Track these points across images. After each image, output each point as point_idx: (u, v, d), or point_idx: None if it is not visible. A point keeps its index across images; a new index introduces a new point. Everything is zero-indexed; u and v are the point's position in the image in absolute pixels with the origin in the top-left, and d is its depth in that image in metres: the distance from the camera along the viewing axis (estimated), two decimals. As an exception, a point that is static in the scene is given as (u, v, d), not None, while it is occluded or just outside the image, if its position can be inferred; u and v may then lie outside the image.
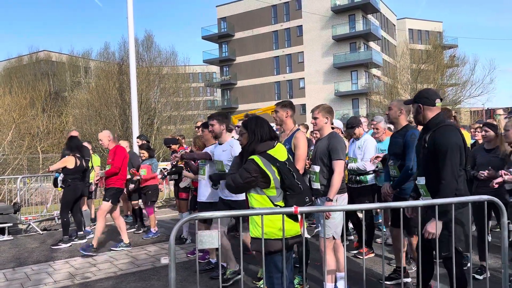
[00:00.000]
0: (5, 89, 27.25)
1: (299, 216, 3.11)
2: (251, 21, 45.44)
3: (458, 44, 46.09)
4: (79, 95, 37.13)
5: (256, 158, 3.09)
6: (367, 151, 5.52)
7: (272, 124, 10.26)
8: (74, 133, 7.87)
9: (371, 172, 5.60)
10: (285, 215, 2.91)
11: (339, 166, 3.93)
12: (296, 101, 41.89)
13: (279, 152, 3.18)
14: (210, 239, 2.78)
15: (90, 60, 43.51)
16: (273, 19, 44.83)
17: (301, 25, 43.12)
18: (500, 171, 4.12)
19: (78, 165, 7.02)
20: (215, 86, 51.24)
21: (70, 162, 6.97)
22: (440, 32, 43.47)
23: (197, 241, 2.77)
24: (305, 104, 42.64)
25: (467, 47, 74.92)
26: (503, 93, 67.97)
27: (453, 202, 3.03)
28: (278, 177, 3.08)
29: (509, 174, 4.09)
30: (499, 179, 4.07)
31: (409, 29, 50.69)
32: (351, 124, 5.76)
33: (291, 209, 2.84)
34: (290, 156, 3.37)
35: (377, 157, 5.22)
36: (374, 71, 41.97)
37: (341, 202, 4.03)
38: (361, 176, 5.61)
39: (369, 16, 42.42)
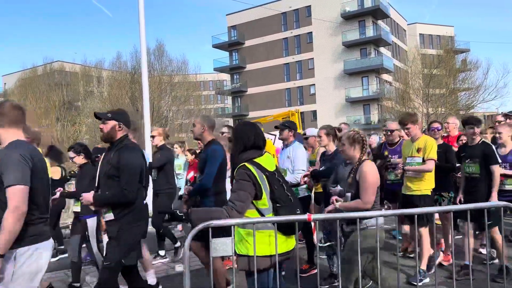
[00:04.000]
0: (20, 99, 27.78)
1: (311, 225, 3.09)
2: (261, 29, 45.67)
3: (470, 48, 45.56)
4: (92, 104, 37.73)
5: (247, 164, 2.88)
6: (296, 161, 4.98)
7: (275, 133, 9.56)
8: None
9: (303, 183, 5.03)
10: (276, 230, 2.76)
11: (16, 198, 2.41)
12: (307, 108, 41.89)
13: (267, 161, 3.00)
14: (224, 246, 2.79)
15: (102, 70, 44.20)
16: (283, 26, 45.00)
17: (311, 32, 43.18)
18: (332, 197, 3.53)
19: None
20: (226, 94, 51.55)
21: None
22: (452, 36, 43.13)
23: (211, 249, 2.77)
24: (316, 111, 42.57)
25: (479, 51, 74.23)
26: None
27: (469, 208, 3.02)
28: (268, 188, 2.88)
29: (341, 200, 3.47)
30: (330, 207, 3.50)
31: (420, 34, 50.38)
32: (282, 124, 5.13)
33: (304, 217, 2.78)
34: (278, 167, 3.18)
35: (305, 175, 4.84)
36: (385, 76, 41.77)
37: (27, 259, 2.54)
38: (293, 188, 5.07)
39: (379, 21, 42.31)
